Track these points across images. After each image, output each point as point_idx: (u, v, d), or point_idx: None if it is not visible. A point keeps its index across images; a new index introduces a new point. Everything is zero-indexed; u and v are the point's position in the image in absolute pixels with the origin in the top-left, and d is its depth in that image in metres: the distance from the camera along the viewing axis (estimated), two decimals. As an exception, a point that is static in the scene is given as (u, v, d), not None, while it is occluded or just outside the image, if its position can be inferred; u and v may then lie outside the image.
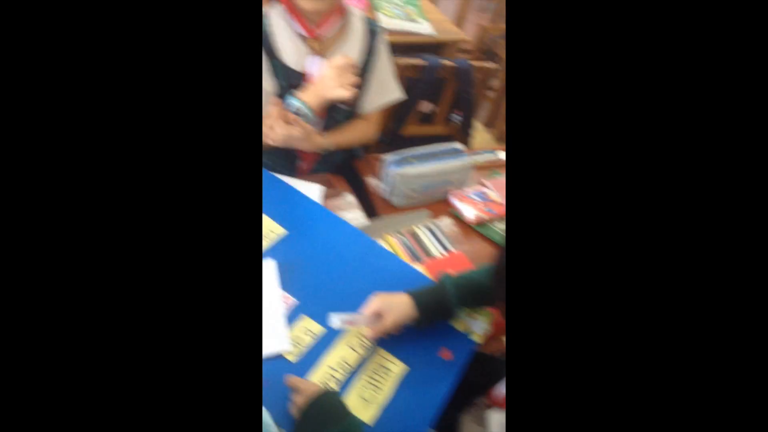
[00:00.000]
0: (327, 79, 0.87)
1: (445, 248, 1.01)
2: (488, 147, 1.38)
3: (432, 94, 1.65)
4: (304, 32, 0.94)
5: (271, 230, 0.88)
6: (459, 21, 2.96)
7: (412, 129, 1.68)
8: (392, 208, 1.07)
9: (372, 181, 1.09)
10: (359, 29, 0.99)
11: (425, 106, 1.69)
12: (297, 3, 0.89)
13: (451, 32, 1.82)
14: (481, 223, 1.09)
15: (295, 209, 0.93)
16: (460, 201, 1.11)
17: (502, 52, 2.78)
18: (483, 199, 1.13)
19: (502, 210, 1.11)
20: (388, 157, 1.05)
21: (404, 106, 1.61)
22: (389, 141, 1.69)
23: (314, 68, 0.93)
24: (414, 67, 1.48)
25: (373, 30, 1.02)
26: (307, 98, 0.89)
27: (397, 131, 1.67)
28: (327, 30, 0.95)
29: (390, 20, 1.72)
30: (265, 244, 0.85)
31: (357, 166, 1.13)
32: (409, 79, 1.53)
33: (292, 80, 0.96)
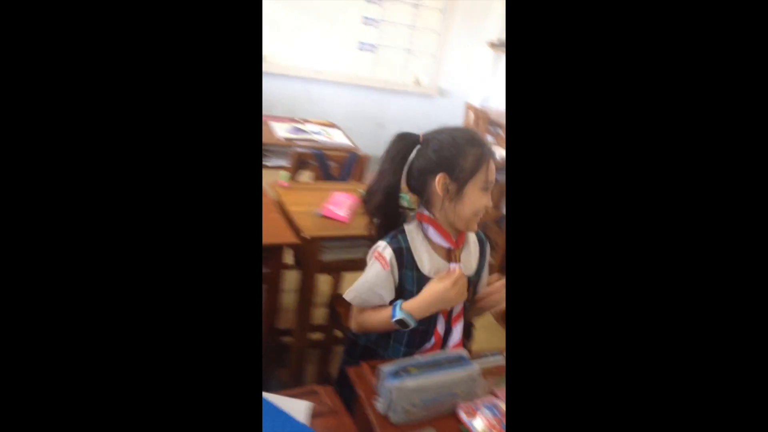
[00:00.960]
0: (444, 291, 1.09)
1: (455, 481, 0.84)
2: (492, 347, 1.27)
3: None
4: (449, 245, 1.17)
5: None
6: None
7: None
8: (391, 426, 0.93)
9: (367, 394, 0.96)
10: (473, 239, 1.26)
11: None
12: (458, 221, 1.14)
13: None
14: (495, 445, 0.93)
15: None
16: (469, 416, 0.97)
17: (498, 237, 2.85)
18: (495, 413, 0.99)
19: (518, 427, 0.97)
20: (386, 367, 0.94)
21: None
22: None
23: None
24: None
25: (481, 239, 1.29)
26: (410, 308, 1.10)
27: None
28: (462, 242, 1.21)
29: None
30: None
31: (351, 376, 1.01)
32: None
33: (422, 286, 1.14)
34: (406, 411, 0.92)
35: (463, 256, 1.21)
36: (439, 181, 1.11)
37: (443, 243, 1.16)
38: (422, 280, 1.14)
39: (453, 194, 1.10)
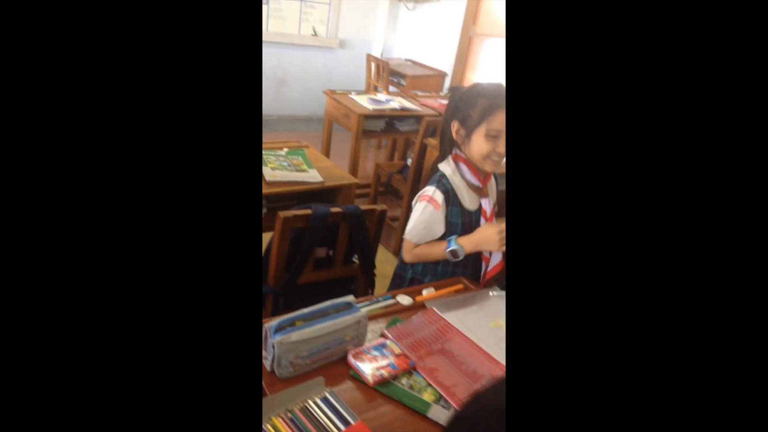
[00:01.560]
0: (491, 236, 1.31)
1: (343, 421, 0.87)
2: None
3: (327, 240, 1.61)
4: (479, 183, 1.39)
5: None
6: (354, 162, 3.09)
7: (310, 276, 1.60)
8: (277, 382, 0.94)
9: (255, 353, 0.96)
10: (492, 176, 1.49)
11: (321, 252, 1.64)
12: (474, 163, 1.35)
13: (340, 177, 1.84)
14: (383, 382, 0.97)
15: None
16: (358, 360, 1.00)
17: (402, 187, 2.90)
18: (384, 354, 1.03)
19: (406, 363, 1.01)
20: (270, 323, 0.94)
21: (299, 255, 1.55)
22: (286, 291, 1.59)
23: (487, 207, 1.41)
24: (300, 216, 1.45)
25: (495, 176, 1.50)
26: (462, 243, 1.34)
27: (295, 281, 1.58)
28: (488, 180, 1.43)
29: (277, 172, 1.71)
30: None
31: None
32: (297, 229, 1.49)
33: (465, 219, 1.39)
34: (293, 364, 0.93)
35: (489, 190, 1.44)
36: (452, 127, 1.35)
37: (474, 181, 1.38)
38: (464, 213, 1.39)
39: (462, 139, 1.33)
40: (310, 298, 1.36)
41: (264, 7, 4.07)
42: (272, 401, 0.87)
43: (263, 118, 2.25)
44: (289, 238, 1.49)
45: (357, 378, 0.98)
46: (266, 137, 2.38)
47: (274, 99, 4.39)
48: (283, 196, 1.76)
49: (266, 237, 1.57)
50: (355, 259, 1.72)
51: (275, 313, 1.56)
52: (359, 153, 3.07)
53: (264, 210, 1.70)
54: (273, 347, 0.91)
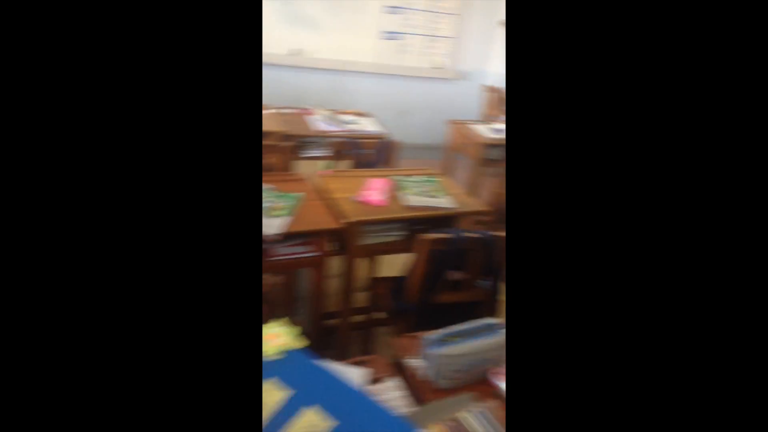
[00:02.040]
0: None
1: (496, 434, 0.94)
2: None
3: (459, 264, 1.70)
4: None
5: (316, 424, 0.84)
6: (473, 189, 3.17)
7: (443, 297, 1.70)
8: (434, 392, 1.03)
9: (412, 362, 1.07)
10: None
11: (454, 275, 1.73)
12: None
13: (470, 204, 1.94)
14: (529, 403, 1.03)
15: (339, 399, 0.90)
16: (500, 380, 1.07)
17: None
18: (526, 375, 1.09)
19: (549, 386, 1.06)
20: (429, 336, 1.05)
21: (434, 275, 1.66)
22: (422, 309, 1.70)
23: None
24: (441, 240, 1.56)
25: None
26: None
27: (429, 300, 1.69)
28: None
29: (415, 197, 1.85)
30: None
31: (395, 346, 1.12)
32: (436, 252, 1.60)
33: None
34: (452, 377, 1.03)
35: None
36: None
37: None
38: None
39: None
40: (439, 318, 1.46)
41: (390, 43, 4.35)
42: (430, 409, 0.97)
43: (396, 144, 2.45)
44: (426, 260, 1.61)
45: (501, 397, 1.05)
46: (399, 163, 2.58)
47: (396, 128, 4.63)
48: (415, 221, 1.89)
49: (406, 257, 1.70)
50: (480, 284, 1.79)
51: (411, 329, 1.68)
52: (479, 180, 3.14)
53: (403, 232, 1.84)
54: (434, 359, 1.01)
